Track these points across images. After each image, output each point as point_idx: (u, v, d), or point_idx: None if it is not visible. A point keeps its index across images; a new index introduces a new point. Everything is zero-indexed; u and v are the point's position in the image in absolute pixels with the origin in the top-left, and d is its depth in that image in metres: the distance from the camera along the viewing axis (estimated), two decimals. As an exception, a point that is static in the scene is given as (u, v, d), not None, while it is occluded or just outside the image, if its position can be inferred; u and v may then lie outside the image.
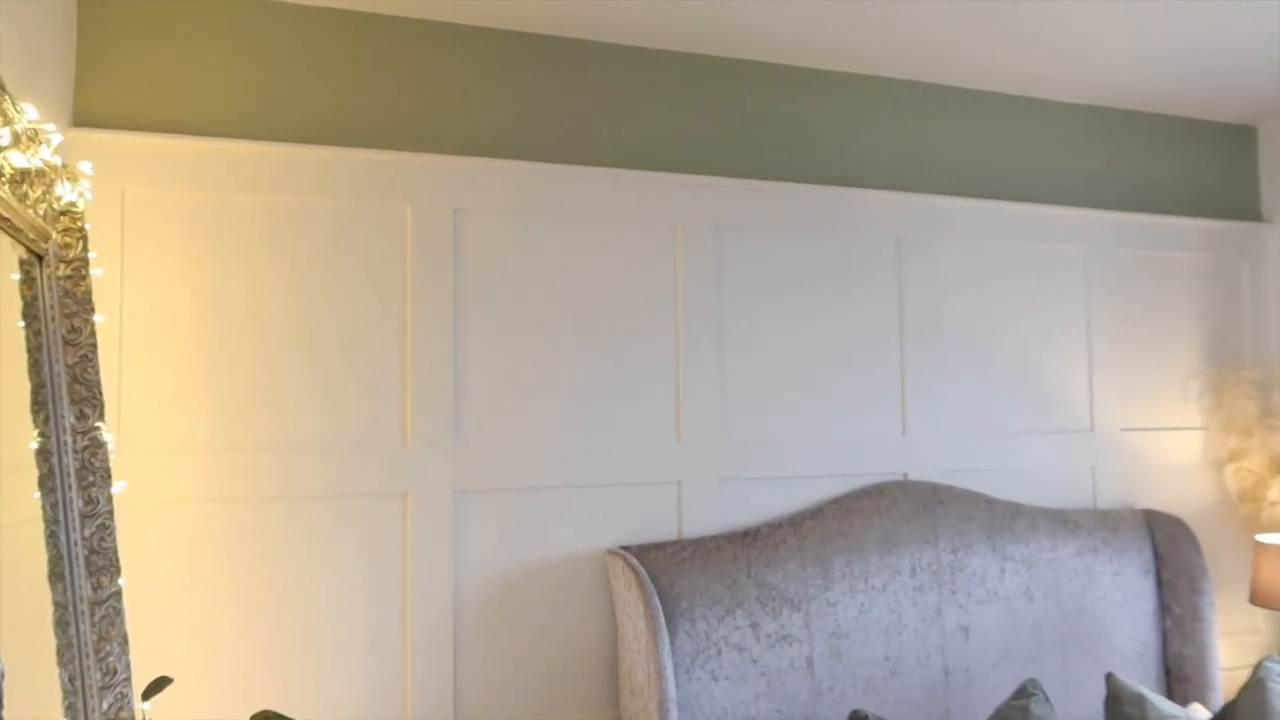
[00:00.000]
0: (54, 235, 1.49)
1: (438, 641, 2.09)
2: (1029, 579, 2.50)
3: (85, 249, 1.55)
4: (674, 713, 1.92)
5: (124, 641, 1.51)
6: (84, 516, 1.47)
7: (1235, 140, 3.10)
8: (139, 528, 1.88)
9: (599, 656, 2.24)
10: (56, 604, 1.43)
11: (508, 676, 2.16)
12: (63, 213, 1.52)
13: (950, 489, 2.50)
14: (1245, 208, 3.10)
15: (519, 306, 2.24)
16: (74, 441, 1.48)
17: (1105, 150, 2.91)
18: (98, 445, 1.52)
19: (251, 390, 2.01)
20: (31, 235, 1.40)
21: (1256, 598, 2.56)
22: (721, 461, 2.36)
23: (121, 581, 1.52)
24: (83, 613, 1.45)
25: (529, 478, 2.20)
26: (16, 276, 1.43)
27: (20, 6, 1.59)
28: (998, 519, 2.51)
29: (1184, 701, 2.55)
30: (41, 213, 1.42)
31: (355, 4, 2.14)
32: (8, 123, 1.26)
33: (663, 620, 2.00)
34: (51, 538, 1.44)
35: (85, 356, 1.52)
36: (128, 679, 1.51)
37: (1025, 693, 1.95)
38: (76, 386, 1.49)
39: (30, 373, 1.44)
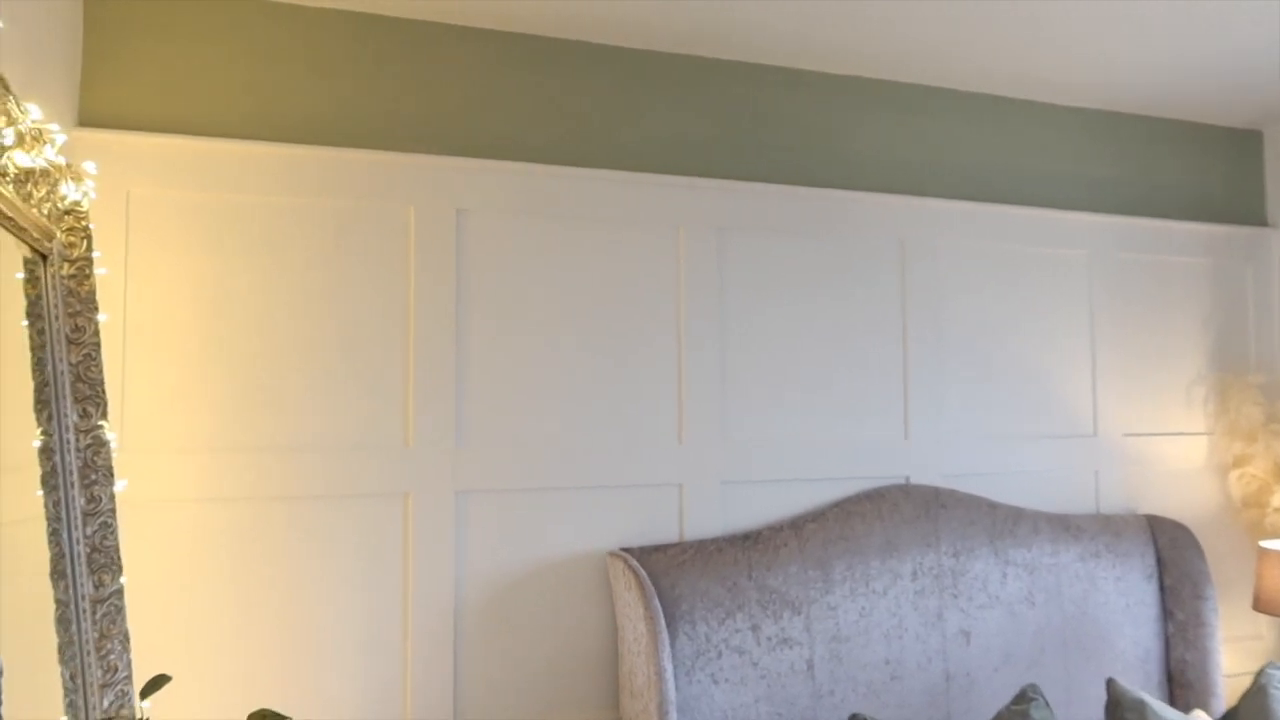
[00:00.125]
0: (58, 234, 1.50)
1: (438, 642, 2.09)
2: (1031, 584, 2.49)
3: (89, 248, 1.56)
4: (674, 715, 1.92)
5: (125, 639, 1.52)
6: (86, 515, 1.48)
7: (1241, 145, 3.09)
8: (140, 526, 1.89)
9: (599, 658, 2.24)
10: (58, 602, 1.44)
11: (508, 677, 2.16)
12: (67, 212, 1.52)
13: (952, 493, 2.50)
14: (1250, 213, 3.09)
15: (522, 307, 2.24)
16: (77, 440, 1.48)
17: (1109, 154, 2.90)
18: (100, 444, 1.52)
19: (254, 390, 2.02)
20: (36, 234, 1.41)
21: (1260, 604, 2.55)
22: (723, 463, 2.36)
23: (123, 580, 1.53)
24: (84, 611, 1.45)
25: (530, 478, 2.20)
26: (21, 275, 1.44)
27: (25, 7, 1.59)
28: (1000, 523, 2.51)
29: (1186, 707, 2.54)
30: (46, 212, 1.43)
31: (358, 5, 2.15)
32: (12, 123, 1.26)
33: (663, 622, 2.00)
34: (54, 536, 1.44)
35: (89, 355, 1.52)
36: (128, 677, 1.51)
37: (1025, 698, 1.95)
38: (80, 385, 1.50)
39: (34, 371, 1.45)
